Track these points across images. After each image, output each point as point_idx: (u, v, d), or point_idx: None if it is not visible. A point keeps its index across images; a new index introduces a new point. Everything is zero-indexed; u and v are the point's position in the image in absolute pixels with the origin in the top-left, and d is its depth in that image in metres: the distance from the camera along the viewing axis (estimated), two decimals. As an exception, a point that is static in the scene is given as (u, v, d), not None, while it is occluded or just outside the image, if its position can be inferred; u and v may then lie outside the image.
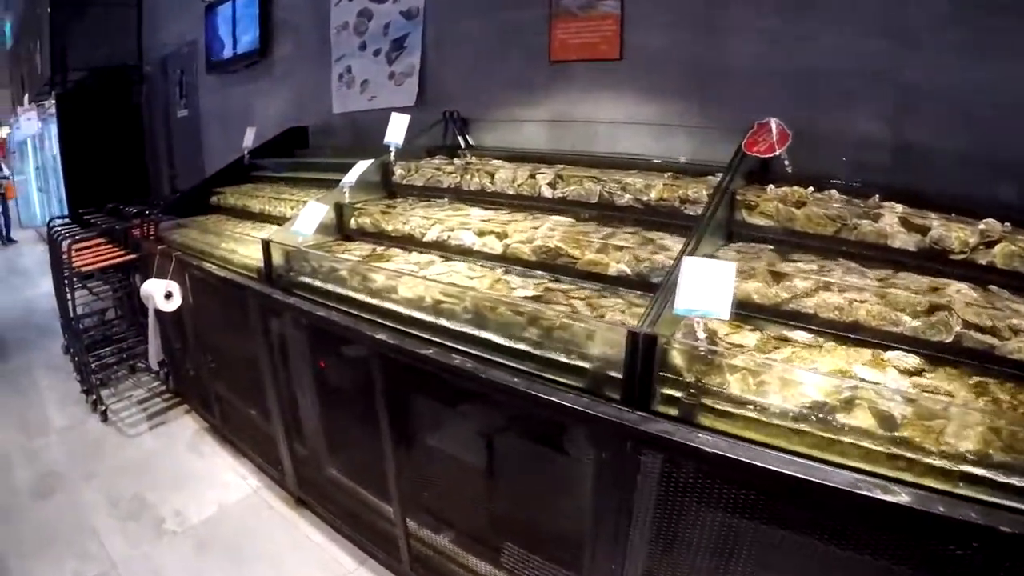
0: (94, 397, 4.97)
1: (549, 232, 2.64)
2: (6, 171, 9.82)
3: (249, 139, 5.07)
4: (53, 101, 8.93)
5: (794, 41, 2.73)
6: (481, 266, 2.76)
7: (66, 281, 4.87)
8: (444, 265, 2.82)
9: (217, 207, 4.77)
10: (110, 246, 5.15)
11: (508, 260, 2.71)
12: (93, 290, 5.75)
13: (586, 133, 3.45)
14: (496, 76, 3.89)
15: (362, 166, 3.43)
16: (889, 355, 1.77)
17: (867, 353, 1.80)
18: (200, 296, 3.97)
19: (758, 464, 1.54)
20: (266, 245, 3.15)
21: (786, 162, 2.48)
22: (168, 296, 4.04)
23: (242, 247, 3.66)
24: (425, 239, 3.01)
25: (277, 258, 3.17)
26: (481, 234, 2.81)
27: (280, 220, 3.95)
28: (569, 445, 2.10)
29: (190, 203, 4.85)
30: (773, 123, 2.50)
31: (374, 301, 2.73)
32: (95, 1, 8.30)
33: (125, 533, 3.54)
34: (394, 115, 3.65)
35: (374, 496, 3.05)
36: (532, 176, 3.03)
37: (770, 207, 2.31)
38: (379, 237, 3.25)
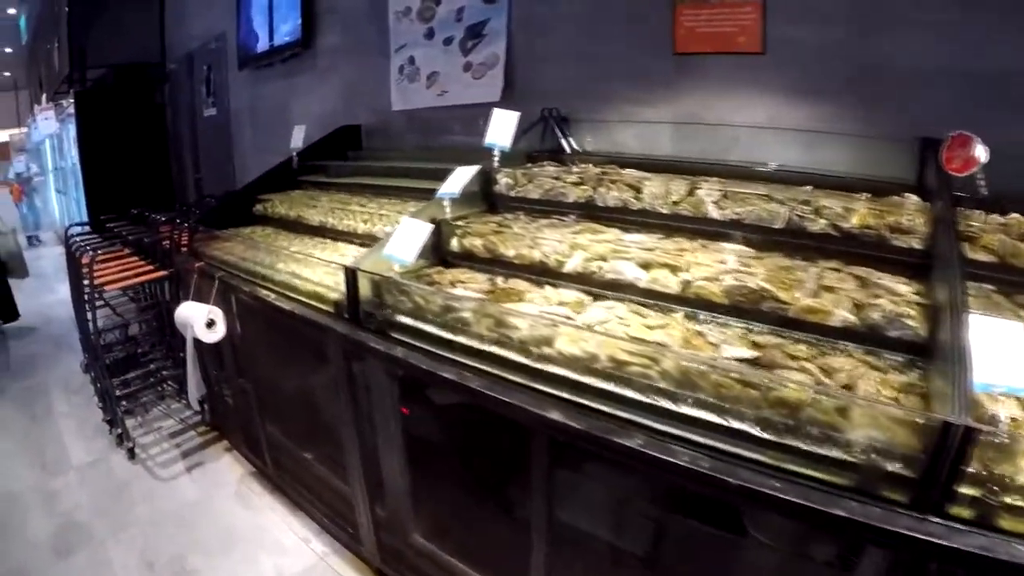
0: (119, 430, 4.17)
1: (742, 267, 1.92)
2: (12, 173, 8.81)
3: (298, 139, 4.24)
4: (71, 100, 8.13)
5: (977, 36, 2.16)
6: (647, 307, 2.03)
7: (86, 298, 4.06)
8: (600, 307, 2.05)
9: (263, 217, 3.93)
10: (136, 259, 4.35)
11: (687, 302, 1.96)
12: (117, 309, 4.96)
13: (718, 138, 2.75)
14: (604, 68, 3.13)
15: (464, 173, 2.63)
16: None
17: None
18: (252, 326, 3.17)
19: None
20: (351, 274, 2.35)
21: (981, 182, 1.98)
22: (210, 324, 3.22)
23: (306, 269, 2.84)
24: (564, 270, 2.26)
25: (365, 290, 2.37)
26: (647, 267, 2.06)
27: (349, 236, 3.18)
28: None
29: (230, 212, 4.01)
30: (974, 138, 1.94)
31: (516, 356, 1.95)
32: (117, -6, 7.53)
33: (166, 612, 2.81)
34: (497, 112, 2.87)
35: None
36: (691, 192, 2.29)
37: (993, 240, 1.81)
38: (492, 264, 2.48)
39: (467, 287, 2.30)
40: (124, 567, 3.09)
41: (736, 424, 1.50)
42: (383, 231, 2.92)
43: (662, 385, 1.62)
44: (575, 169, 2.82)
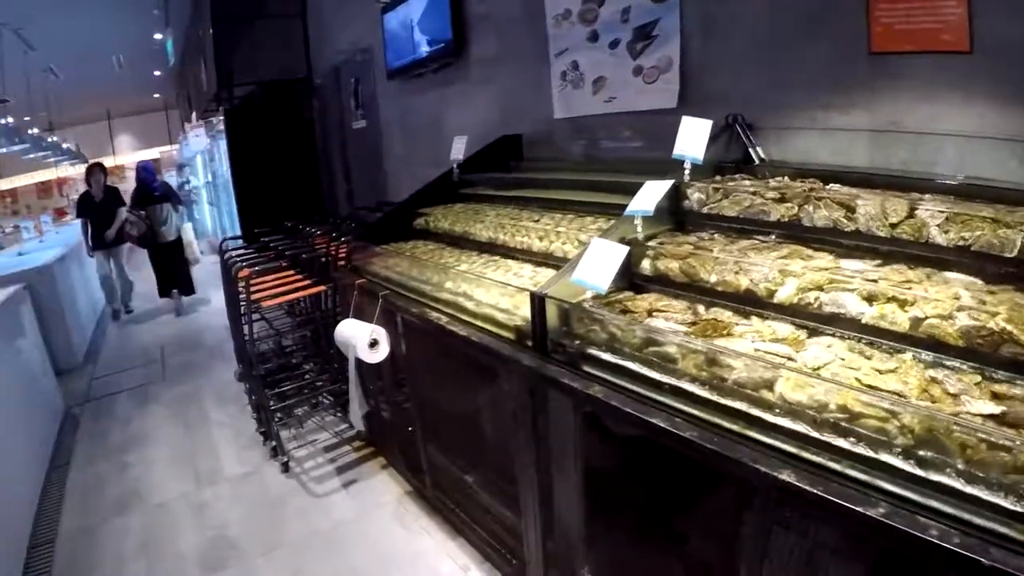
0: (273, 443, 4.15)
1: (977, 304, 1.59)
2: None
3: (459, 150, 4.08)
4: (221, 117, 8.47)
5: None
6: (871, 346, 1.73)
7: (242, 312, 4.06)
8: (819, 345, 1.77)
9: (424, 231, 3.80)
10: (291, 272, 4.34)
11: (916, 342, 1.66)
12: (273, 324, 4.99)
13: (922, 148, 2.38)
14: (790, 71, 2.79)
15: (657, 188, 2.38)
16: None
17: None
18: (419, 349, 3.03)
19: None
20: (539, 301, 2.15)
21: None
22: (373, 345, 3.11)
23: (478, 290, 2.67)
24: (775, 300, 1.97)
25: (553, 318, 2.16)
26: (871, 300, 1.75)
27: (522, 254, 2.98)
28: None
29: (388, 225, 3.91)
30: None
31: (730, 401, 1.70)
32: (258, 15, 7.65)
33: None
34: (687, 120, 2.61)
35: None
36: (911, 213, 1.94)
37: None
38: (689, 289, 2.21)
39: (667, 317, 2.06)
40: (276, 590, 3.03)
41: (985, 494, 1.24)
42: (562, 249, 2.72)
43: (900, 442, 1.37)
44: (772, 183, 2.51)
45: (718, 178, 2.69)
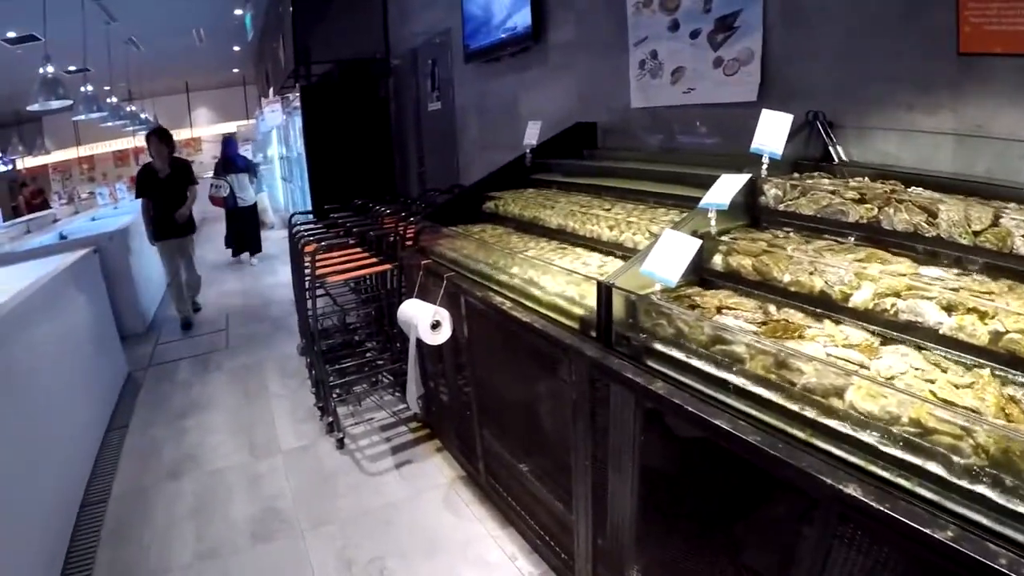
0: (330, 419, 4.20)
1: None
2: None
3: (532, 135, 4.05)
4: (297, 94, 8.43)
5: None
6: (947, 358, 1.64)
7: (307, 290, 4.10)
8: (894, 353, 1.68)
9: (493, 215, 3.78)
10: (359, 250, 4.37)
11: (994, 356, 1.56)
12: (337, 300, 5.04)
13: (1009, 155, 2.26)
14: (874, 68, 2.68)
15: (733, 182, 2.31)
16: None
17: None
18: (479, 331, 3.01)
19: None
20: (606, 291, 2.12)
21: None
22: (435, 326, 3.11)
23: (543, 276, 2.63)
24: (849, 304, 1.89)
25: (619, 309, 2.12)
26: (950, 309, 1.66)
27: (591, 243, 2.93)
28: None
29: (458, 208, 3.90)
30: None
31: (797, 406, 1.64)
32: (339, -7, 7.75)
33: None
34: (767, 113, 2.52)
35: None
36: (995, 221, 1.84)
37: None
38: (760, 287, 2.15)
39: (736, 315, 2.00)
40: (322, 564, 3.07)
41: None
42: (632, 240, 2.67)
43: (973, 462, 1.29)
44: (852, 183, 2.41)
45: (796, 175, 2.60)
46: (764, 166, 2.48)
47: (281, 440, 4.27)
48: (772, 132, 2.48)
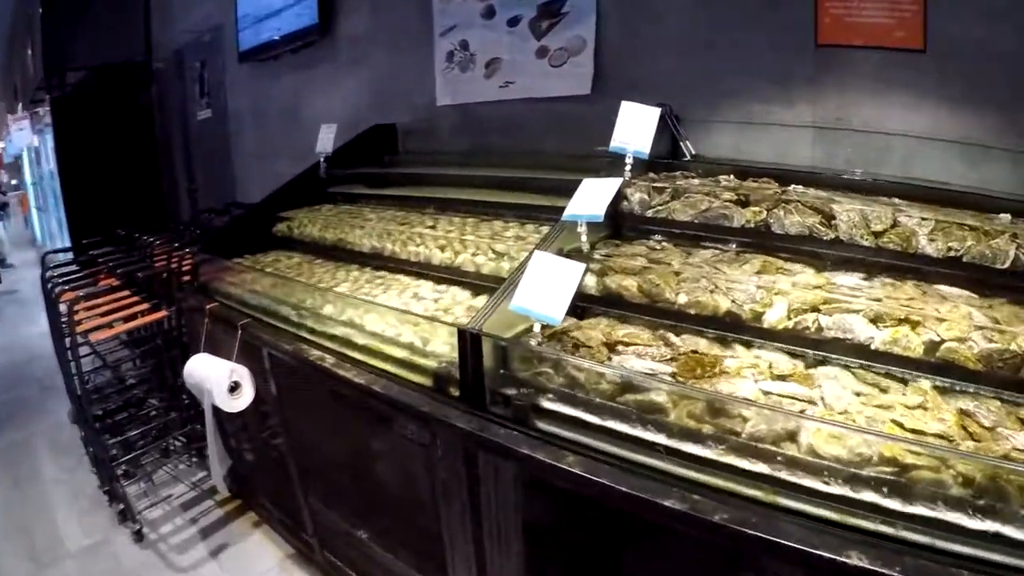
0: (121, 505, 3.38)
1: (991, 323, 1.43)
2: None
3: (327, 141, 3.45)
4: (48, 108, 7.41)
5: None
6: (885, 375, 1.48)
7: (68, 349, 3.30)
8: (831, 380, 1.46)
9: (287, 239, 3.16)
10: (126, 292, 3.57)
11: (932, 368, 1.44)
12: (107, 360, 4.19)
13: (867, 147, 2.29)
14: (726, 58, 2.53)
15: (603, 188, 1.90)
16: None
17: None
18: (296, 391, 2.38)
19: None
20: (472, 340, 1.62)
21: None
22: (234, 389, 2.46)
23: (369, 316, 2.09)
24: (765, 324, 1.59)
25: (489, 360, 1.63)
26: (876, 321, 1.48)
27: (419, 269, 2.42)
28: None
29: (241, 232, 3.25)
30: None
31: (748, 463, 1.33)
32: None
33: None
34: (627, 106, 2.19)
35: None
36: (895, 223, 1.69)
37: None
38: (647, 311, 1.78)
39: (637, 352, 1.58)
40: None
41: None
42: (472, 262, 2.17)
43: (956, 493, 1.15)
44: (724, 182, 2.16)
45: (653, 175, 2.29)
46: (628, 167, 2.12)
47: (67, 539, 3.38)
48: (635, 128, 2.15)
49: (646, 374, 1.49)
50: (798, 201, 1.84)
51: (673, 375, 1.50)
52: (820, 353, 1.53)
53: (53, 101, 6.92)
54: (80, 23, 6.73)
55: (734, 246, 1.94)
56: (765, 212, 1.88)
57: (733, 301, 1.62)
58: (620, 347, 1.62)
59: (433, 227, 2.50)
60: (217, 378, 2.44)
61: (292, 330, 2.35)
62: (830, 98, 2.36)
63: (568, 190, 2.00)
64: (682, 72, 2.61)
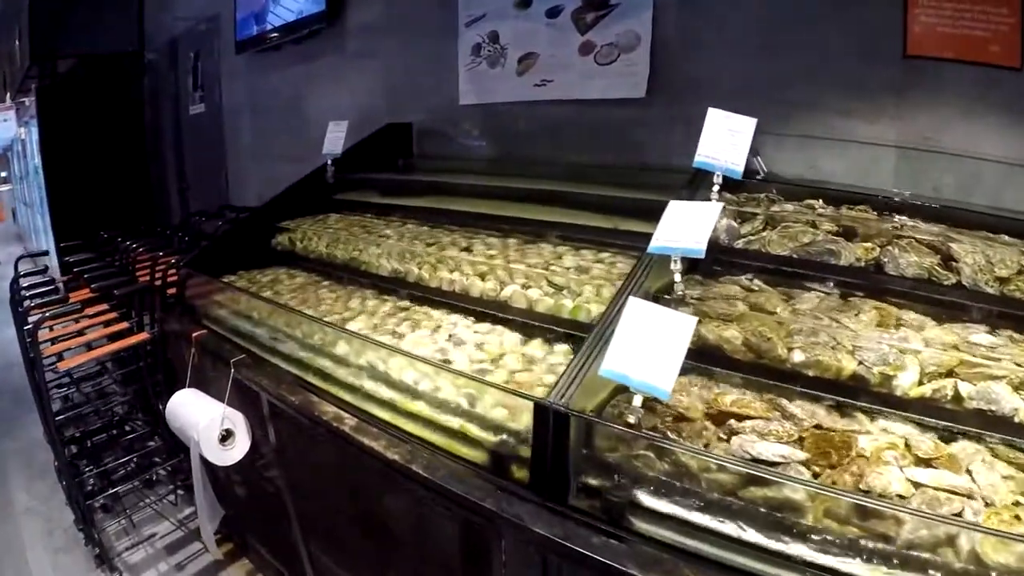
0: (97, 549, 3.01)
1: None
2: None
3: (336, 141, 3.04)
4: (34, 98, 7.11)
5: None
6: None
7: (36, 377, 2.91)
8: (980, 463, 1.17)
9: (288, 254, 2.78)
10: (105, 308, 3.17)
11: None
12: (80, 386, 3.77)
13: (958, 172, 2.04)
14: (802, 64, 2.25)
15: (701, 214, 1.51)
16: None
17: None
18: (303, 451, 1.97)
19: None
20: (556, 418, 1.24)
21: None
22: (225, 438, 2.06)
23: (396, 360, 1.68)
24: (897, 391, 1.29)
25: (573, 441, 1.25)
26: (1021, 390, 1.22)
27: (453, 299, 2.02)
28: None
29: (236, 243, 2.88)
30: None
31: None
32: (85, -24, 6.38)
33: None
34: (717, 114, 1.82)
35: None
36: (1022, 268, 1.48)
37: None
38: (752, 370, 1.42)
39: (757, 429, 1.23)
40: None
41: None
42: (525, 298, 1.77)
43: None
44: (819, 209, 1.86)
45: (729, 196, 1.92)
46: (715, 187, 1.77)
47: (40, 582, 3.02)
48: (725, 140, 1.80)
49: (778, 463, 1.14)
50: (911, 237, 1.57)
51: (806, 463, 1.15)
52: (954, 425, 1.25)
53: (39, 90, 6.59)
54: (71, 10, 6.31)
55: (833, 286, 1.61)
56: (879, 249, 1.58)
57: (861, 362, 1.30)
58: (732, 420, 1.26)
59: (468, 249, 2.13)
60: (206, 425, 2.03)
61: (297, 371, 1.95)
62: (919, 115, 2.10)
63: (627, 208, 1.70)
64: (748, 77, 2.33)
